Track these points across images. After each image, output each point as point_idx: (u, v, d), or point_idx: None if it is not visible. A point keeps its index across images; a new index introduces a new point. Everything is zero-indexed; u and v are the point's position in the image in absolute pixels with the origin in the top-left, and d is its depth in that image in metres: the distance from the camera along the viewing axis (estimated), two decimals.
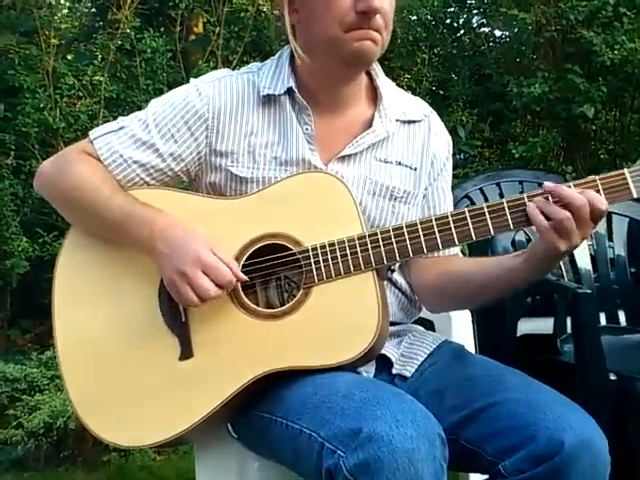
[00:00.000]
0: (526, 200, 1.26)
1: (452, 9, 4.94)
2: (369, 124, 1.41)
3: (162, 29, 4.55)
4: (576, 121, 3.68)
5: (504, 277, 1.34)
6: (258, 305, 1.32)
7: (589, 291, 1.94)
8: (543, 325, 2.48)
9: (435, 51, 4.99)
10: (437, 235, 1.28)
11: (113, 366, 1.32)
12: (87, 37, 4.78)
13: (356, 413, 1.11)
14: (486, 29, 5.12)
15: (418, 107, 1.50)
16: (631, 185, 1.25)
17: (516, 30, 3.98)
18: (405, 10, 4.93)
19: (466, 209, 1.29)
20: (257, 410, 1.32)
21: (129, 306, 1.33)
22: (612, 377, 1.97)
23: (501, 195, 2.71)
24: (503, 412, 1.22)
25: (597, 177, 1.26)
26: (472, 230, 1.28)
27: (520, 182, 2.81)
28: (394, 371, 1.40)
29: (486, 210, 1.27)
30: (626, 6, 3.52)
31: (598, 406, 1.72)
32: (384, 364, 1.41)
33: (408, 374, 1.39)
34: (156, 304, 1.33)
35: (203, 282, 1.25)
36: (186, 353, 1.30)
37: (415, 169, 1.45)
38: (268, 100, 1.40)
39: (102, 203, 1.33)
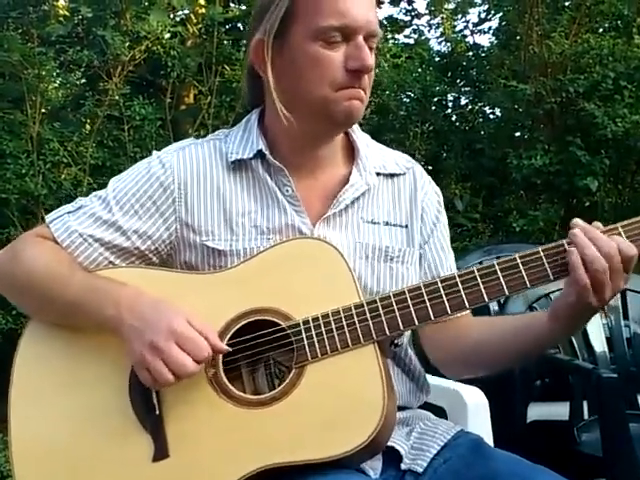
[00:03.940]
0: (542, 253, 1.14)
1: (439, 87, 4.99)
2: (347, 180, 1.31)
3: (152, 99, 4.51)
4: (577, 194, 3.61)
5: (530, 339, 1.22)
6: (245, 392, 1.16)
7: (615, 375, 1.76)
8: (555, 410, 2.30)
9: (426, 125, 5.01)
10: (444, 299, 1.15)
11: (75, 471, 1.16)
12: (75, 105, 4.73)
13: None
14: (476, 106, 5.19)
15: (398, 160, 1.40)
16: None
17: (514, 102, 3.95)
18: (396, 85, 4.97)
19: (475, 268, 1.16)
20: None
21: (94, 399, 1.17)
22: None
23: None
24: None
25: (619, 225, 1.14)
26: (484, 291, 1.15)
27: None
28: (403, 466, 1.22)
29: (497, 268, 1.15)
30: (626, 80, 3.52)
31: None
32: (392, 458, 1.23)
33: (420, 469, 1.21)
34: (126, 395, 1.16)
35: (178, 356, 1.10)
36: (160, 453, 1.13)
37: (405, 226, 1.35)
38: (238, 166, 1.29)
39: (59, 283, 1.21)
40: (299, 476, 1.08)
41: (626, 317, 2.46)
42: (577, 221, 1.14)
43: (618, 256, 1.10)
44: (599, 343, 2.36)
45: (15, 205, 3.80)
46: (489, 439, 1.50)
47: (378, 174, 1.34)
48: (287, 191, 1.27)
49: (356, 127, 1.37)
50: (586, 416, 2.17)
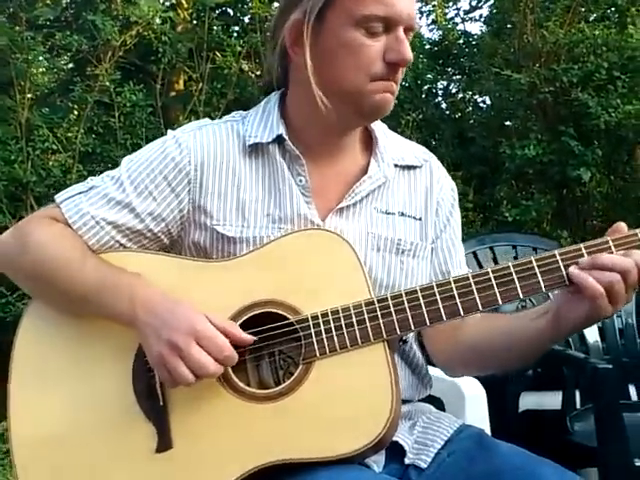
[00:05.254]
0: (559, 258, 1.12)
1: (430, 75, 4.97)
2: (365, 171, 1.29)
3: (142, 85, 4.46)
4: (569, 184, 3.61)
5: (532, 339, 1.19)
6: (249, 385, 1.14)
7: (610, 366, 1.77)
8: (547, 400, 2.31)
9: (416, 113, 4.99)
10: (457, 300, 1.13)
11: (76, 461, 1.14)
12: (64, 91, 4.68)
13: None
14: (467, 95, 5.19)
15: (416, 152, 1.38)
16: None
17: (507, 91, 3.94)
18: None
19: (490, 269, 1.14)
20: None
21: (96, 388, 1.15)
22: (637, 463, 1.78)
23: (494, 259, 2.60)
24: None
25: (638, 231, 1.12)
26: (498, 294, 1.13)
27: (514, 246, 2.70)
28: (407, 461, 1.21)
29: (513, 270, 1.13)
30: (620, 70, 3.51)
31: None
32: (395, 452, 1.21)
33: (424, 465, 1.20)
34: (129, 384, 1.15)
35: (199, 355, 1.08)
36: (164, 444, 1.11)
37: (420, 219, 1.33)
38: (255, 150, 1.26)
39: (69, 275, 1.18)
40: (300, 468, 1.07)
41: None
42: (581, 262, 1.10)
43: (635, 270, 1.08)
44: (592, 333, 2.36)
45: (4, 192, 3.74)
46: (487, 430, 1.50)
47: (395, 165, 1.32)
48: (300, 181, 1.24)
49: None
50: (578, 405, 2.18)
